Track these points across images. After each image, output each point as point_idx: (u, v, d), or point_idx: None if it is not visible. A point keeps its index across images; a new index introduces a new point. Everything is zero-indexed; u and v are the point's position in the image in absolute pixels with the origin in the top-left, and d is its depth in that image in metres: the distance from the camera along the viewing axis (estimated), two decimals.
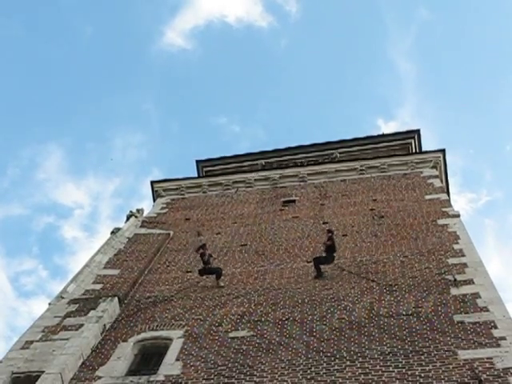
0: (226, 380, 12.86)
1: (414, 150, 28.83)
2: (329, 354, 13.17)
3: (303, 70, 71.52)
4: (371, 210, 21.70)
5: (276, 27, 72.49)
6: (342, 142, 30.10)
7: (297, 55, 70.94)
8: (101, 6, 68.40)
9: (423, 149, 28.86)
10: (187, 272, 18.79)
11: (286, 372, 12.77)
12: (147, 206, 25.86)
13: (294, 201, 24.10)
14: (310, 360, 13.06)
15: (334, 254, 17.50)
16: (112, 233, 21.74)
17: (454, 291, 15.04)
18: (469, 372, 11.81)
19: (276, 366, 13.05)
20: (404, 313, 14.42)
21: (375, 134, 31.37)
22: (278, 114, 72.70)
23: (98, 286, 17.96)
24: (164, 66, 73.37)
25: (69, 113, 69.79)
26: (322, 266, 17.22)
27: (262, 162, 29.83)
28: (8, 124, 66.45)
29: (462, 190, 70.04)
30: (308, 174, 26.39)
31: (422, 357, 12.53)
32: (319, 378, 12.39)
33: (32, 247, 66.02)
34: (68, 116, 70.32)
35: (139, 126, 73.47)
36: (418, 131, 29.81)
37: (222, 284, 17.44)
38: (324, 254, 17.54)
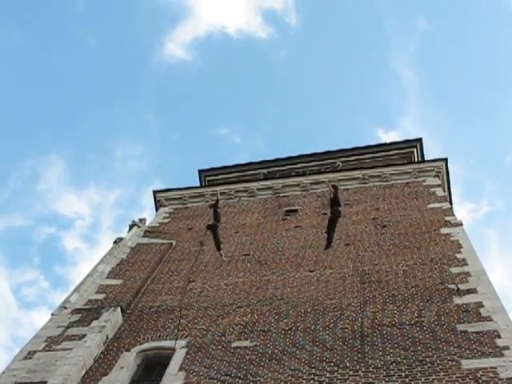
0: None
1: (416, 159, 28.80)
2: (332, 364, 13.18)
3: (303, 81, 71.93)
4: (374, 219, 21.69)
5: (276, 38, 72.85)
6: (343, 152, 30.08)
7: (297, 66, 71.00)
8: (101, 17, 68.67)
9: (425, 158, 28.85)
10: (190, 282, 18.78)
11: (289, 382, 12.79)
12: (149, 216, 25.91)
13: (296, 210, 24.09)
14: (314, 369, 13.07)
15: (340, 208, 17.34)
16: (115, 242, 21.75)
17: (456, 300, 15.02)
18: (472, 382, 11.82)
19: (279, 375, 13.05)
20: (407, 322, 14.41)
21: (376, 143, 31.39)
22: (279, 125, 72.89)
23: (101, 296, 17.96)
24: (164, 77, 73.70)
25: (70, 123, 69.92)
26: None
27: (264, 171, 29.85)
28: (9, 135, 66.64)
29: (462, 200, 70.10)
30: (310, 184, 26.38)
31: (426, 367, 12.53)
32: None
33: (33, 258, 66.03)
34: (69, 127, 70.64)
35: (140, 136, 73.64)
36: (420, 140, 29.77)
37: (224, 259, 17.56)
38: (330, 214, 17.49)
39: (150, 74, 71.82)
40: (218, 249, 18.27)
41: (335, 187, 17.94)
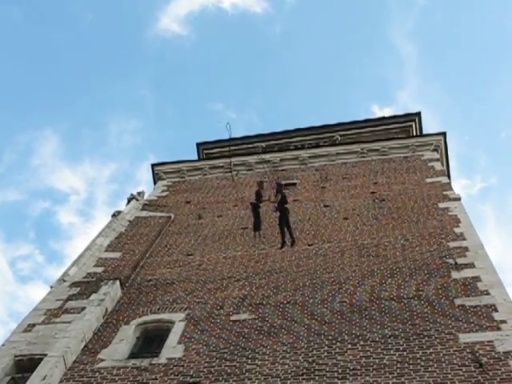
0: (227, 363, 12.92)
1: (414, 133, 28.73)
2: (330, 337, 13.24)
3: (299, 56, 71.38)
4: (372, 193, 21.69)
5: (271, 13, 72.16)
6: (341, 125, 29.96)
7: (292, 41, 70.75)
8: None
9: (424, 132, 28.79)
10: (188, 255, 18.83)
11: (287, 355, 12.85)
12: (145, 191, 25.76)
13: (294, 184, 24.08)
14: (312, 343, 13.14)
15: (287, 206, 17.62)
16: (113, 216, 21.72)
17: (454, 275, 15.07)
18: (469, 355, 11.89)
19: (278, 348, 13.12)
20: (405, 296, 14.48)
21: (374, 117, 31.28)
22: (274, 100, 72.52)
23: (100, 269, 17.99)
24: (159, 52, 73.06)
25: (64, 99, 69.60)
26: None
27: (262, 144, 29.76)
28: (4, 110, 66.28)
29: (456, 176, 69.95)
30: (309, 157, 26.34)
31: (423, 340, 12.61)
32: (321, 361, 12.47)
33: (28, 232, 66.07)
34: (63, 102, 70.33)
35: (135, 111, 73.28)
36: (418, 114, 29.66)
37: (257, 239, 17.69)
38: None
39: (145, 48, 71.32)
40: (255, 229, 18.01)
41: (279, 185, 18.24)
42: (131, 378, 13.07)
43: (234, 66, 72.95)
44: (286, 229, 17.21)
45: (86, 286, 16.69)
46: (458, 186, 58.86)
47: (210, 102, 73.92)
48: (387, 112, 68.63)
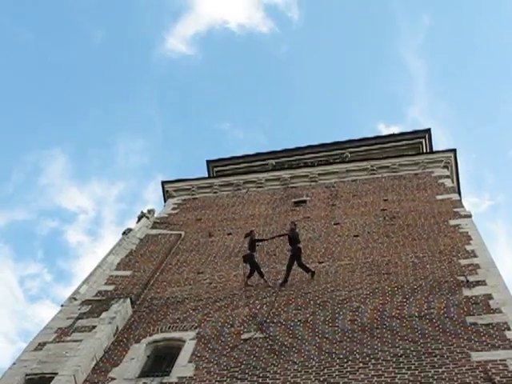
0: (238, 382, 12.88)
1: (424, 150, 28.70)
2: (341, 356, 13.16)
3: (306, 75, 71.97)
4: (382, 210, 21.65)
5: (277, 33, 72.66)
6: (351, 142, 30.02)
7: (299, 61, 71.22)
8: (102, 13, 68.62)
9: (434, 149, 28.74)
10: (199, 273, 18.83)
11: (298, 374, 12.78)
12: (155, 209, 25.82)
13: (305, 201, 24.07)
14: (323, 362, 13.06)
15: (299, 245, 17.60)
16: (124, 234, 21.79)
17: (466, 292, 14.98)
18: (482, 374, 11.77)
19: (288, 367, 13.06)
20: (416, 314, 14.39)
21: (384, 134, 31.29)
22: (280, 120, 72.72)
23: (111, 287, 18.03)
24: (166, 72, 73.95)
25: (72, 118, 70.18)
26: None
27: (273, 162, 29.83)
28: (12, 129, 66.79)
29: (464, 194, 69.50)
30: (319, 174, 26.35)
31: (435, 359, 12.50)
32: (332, 380, 12.39)
33: (37, 251, 66.37)
34: (71, 121, 70.83)
35: (142, 131, 73.81)
36: (428, 130, 29.68)
37: (270, 284, 17.27)
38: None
39: (152, 69, 72.09)
40: (262, 276, 17.62)
41: (294, 224, 18.39)
42: None
43: (240, 86, 73.77)
44: (296, 267, 17.27)
45: (97, 305, 16.71)
46: (467, 203, 58.41)
47: (217, 122, 74.32)
48: (394, 130, 68.60)
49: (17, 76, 66.43)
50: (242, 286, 17.37)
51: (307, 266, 17.38)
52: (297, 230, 18.34)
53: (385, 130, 76.48)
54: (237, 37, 72.33)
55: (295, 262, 17.34)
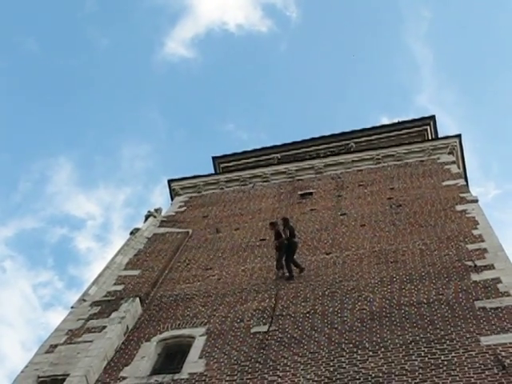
0: (249, 376, 12.89)
1: (430, 137, 28.59)
2: (351, 346, 13.16)
3: (306, 73, 71.64)
4: (389, 198, 21.60)
5: (276, 32, 72.47)
6: (356, 132, 29.96)
7: (298, 58, 70.96)
8: (102, 19, 68.77)
9: (439, 135, 28.63)
10: (207, 269, 18.86)
11: (308, 365, 12.78)
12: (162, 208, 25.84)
13: (311, 193, 24.04)
14: (333, 352, 13.06)
15: (295, 239, 17.87)
16: (131, 233, 21.84)
17: (474, 277, 14.94)
18: (492, 358, 11.75)
19: (299, 359, 13.06)
20: (425, 301, 14.37)
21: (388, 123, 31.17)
22: (283, 118, 72.50)
23: (120, 287, 18.06)
24: (167, 76, 73.79)
25: (75, 126, 70.55)
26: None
27: (278, 155, 29.81)
28: (17, 138, 66.98)
29: (470, 183, 68.99)
30: (324, 166, 26.31)
31: (445, 345, 12.48)
32: (342, 370, 12.38)
33: (47, 259, 66.71)
34: (75, 129, 71.11)
35: (146, 136, 73.75)
36: (433, 117, 29.55)
37: (279, 274, 17.32)
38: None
39: (153, 73, 72.20)
40: (277, 268, 17.56)
41: (286, 219, 18.40)
42: None
43: (241, 86, 73.45)
44: (290, 262, 17.35)
45: (107, 305, 16.74)
46: (473, 192, 57.89)
47: (220, 123, 74.20)
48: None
49: (21, 85, 66.59)
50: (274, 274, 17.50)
51: (298, 263, 17.46)
52: (291, 224, 18.39)
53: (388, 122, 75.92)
54: (236, 37, 72.35)
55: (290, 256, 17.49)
